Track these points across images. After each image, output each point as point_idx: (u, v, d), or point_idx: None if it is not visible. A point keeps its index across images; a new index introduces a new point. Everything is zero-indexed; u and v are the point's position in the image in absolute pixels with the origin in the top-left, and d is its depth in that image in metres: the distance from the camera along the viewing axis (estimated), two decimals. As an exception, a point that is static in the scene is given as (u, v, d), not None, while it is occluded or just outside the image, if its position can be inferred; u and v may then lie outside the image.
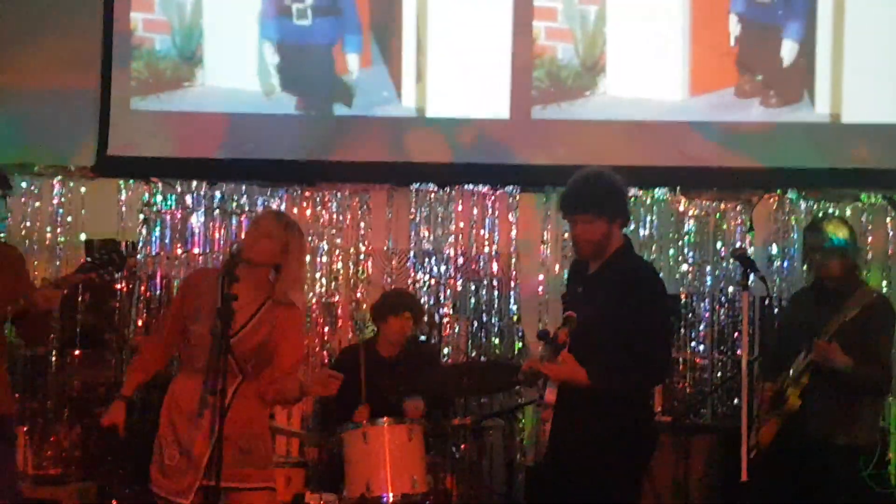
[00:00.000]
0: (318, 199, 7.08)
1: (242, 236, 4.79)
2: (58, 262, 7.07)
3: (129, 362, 6.85)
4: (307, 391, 4.76)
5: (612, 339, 4.58)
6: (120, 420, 4.68)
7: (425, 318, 6.72)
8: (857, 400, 5.32)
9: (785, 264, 6.76)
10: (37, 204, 6.90)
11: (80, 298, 6.92)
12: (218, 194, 7.09)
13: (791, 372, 5.32)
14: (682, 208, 6.90)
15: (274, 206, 6.97)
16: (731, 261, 6.35)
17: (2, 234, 5.58)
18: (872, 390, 5.35)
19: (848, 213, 6.65)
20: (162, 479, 4.55)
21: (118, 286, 6.83)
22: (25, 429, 6.77)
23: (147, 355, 4.86)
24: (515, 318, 6.93)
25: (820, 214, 6.41)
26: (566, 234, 6.81)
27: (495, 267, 6.94)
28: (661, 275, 5.20)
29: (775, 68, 6.82)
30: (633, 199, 6.66)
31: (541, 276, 6.92)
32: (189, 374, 4.60)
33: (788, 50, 6.80)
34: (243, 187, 7.05)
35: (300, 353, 5.09)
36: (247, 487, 4.63)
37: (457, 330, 6.96)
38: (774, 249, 6.81)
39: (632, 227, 6.56)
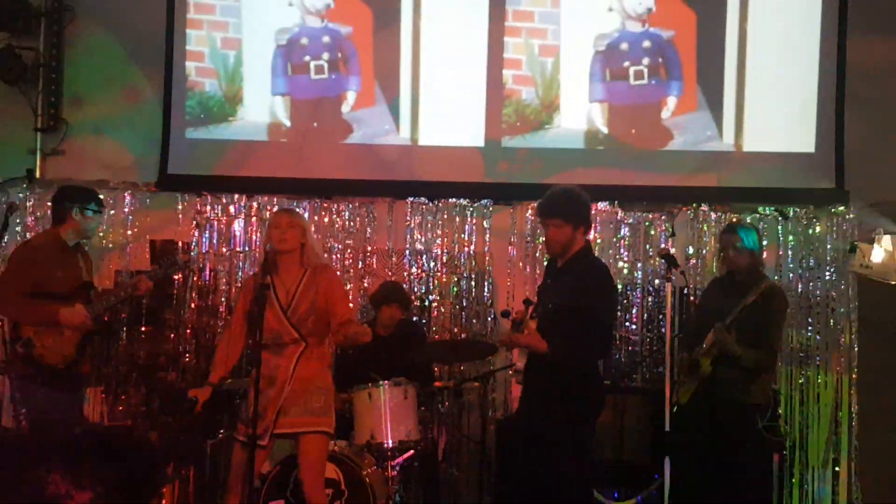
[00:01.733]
0: (333, 209, 7.02)
1: (271, 235, 4.82)
2: (127, 258, 7.01)
3: (183, 337, 6.96)
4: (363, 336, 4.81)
5: (570, 319, 4.62)
6: (203, 398, 4.80)
7: (413, 305, 6.68)
8: (755, 371, 5.36)
9: (699, 262, 6.73)
10: (112, 212, 6.85)
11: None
12: (255, 204, 7.03)
13: (704, 345, 5.34)
14: (619, 217, 6.83)
15: (301, 214, 6.91)
16: (658, 259, 6.36)
17: (90, 237, 5.57)
18: (758, 370, 5.35)
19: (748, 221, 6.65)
20: (245, 428, 4.63)
21: (175, 277, 6.81)
22: (102, 389, 6.76)
23: (221, 354, 4.95)
24: (489, 303, 6.88)
25: (734, 220, 6.37)
26: (528, 238, 6.88)
27: (473, 263, 6.91)
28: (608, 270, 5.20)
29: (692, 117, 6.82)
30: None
31: (508, 271, 6.88)
32: (266, 349, 4.67)
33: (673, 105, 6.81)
34: (275, 199, 6.97)
35: (348, 303, 5.22)
36: (305, 431, 4.74)
37: (442, 311, 6.91)
38: (691, 250, 6.73)
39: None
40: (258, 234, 6.95)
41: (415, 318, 6.76)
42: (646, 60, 6.81)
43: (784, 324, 5.69)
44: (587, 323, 4.63)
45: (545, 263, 5.13)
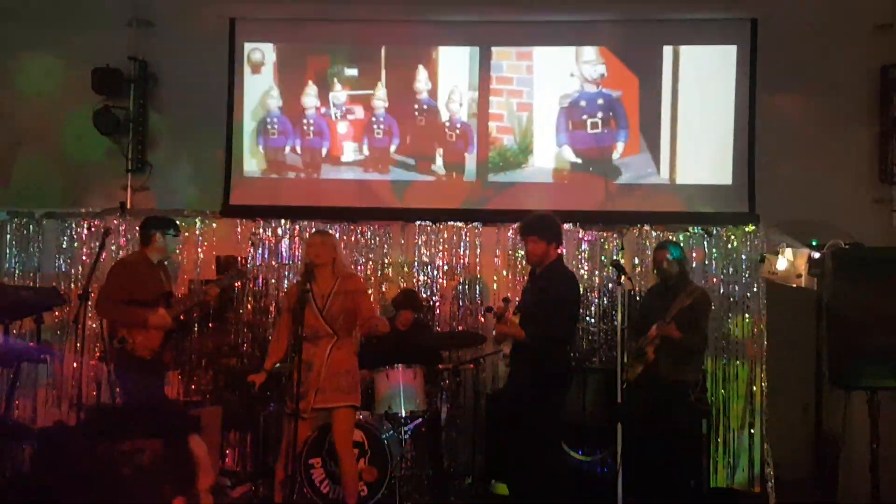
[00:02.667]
0: (358, 231, 6.98)
1: (308, 252, 4.91)
2: (198, 271, 6.99)
3: (242, 332, 6.90)
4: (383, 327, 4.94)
5: (541, 313, 4.69)
6: (259, 381, 4.89)
7: (425, 307, 6.67)
8: (688, 356, 5.40)
9: (643, 270, 6.67)
10: (186, 234, 6.84)
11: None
12: (297, 227, 7.00)
13: (647, 337, 5.38)
14: (580, 235, 6.82)
15: (332, 234, 6.88)
16: (610, 268, 6.26)
17: (171, 255, 5.60)
18: (694, 349, 5.41)
19: (681, 238, 6.64)
20: (291, 404, 4.69)
21: (236, 285, 6.76)
22: (179, 372, 6.77)
23: (274, 345, 5.01)
24: (480, 302, 6.84)
25: (663, 238, 6.40)
26: (510, 252, 6.82)
27: (467, 272, 6.91)
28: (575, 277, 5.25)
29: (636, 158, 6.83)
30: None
31: (494, 278, 6.86)
32: (306, 341, 4.71)
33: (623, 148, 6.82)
34: (313, 223, 6.94)
35: (370, 303, 5.30)
36: (337, 405, 4.82)
37: (443, 309, 6.87)
38: (636, 261, 6.70)
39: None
40: (299, 250, 6.91)
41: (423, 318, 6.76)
42: (600, 114, 6.82)
43: (709, 316, 5.70)
44: (555, 316, 4.71)
45: (529, 271, 5.18)
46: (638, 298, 6.29)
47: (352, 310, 4.87)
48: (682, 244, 6.06)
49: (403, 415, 5.52)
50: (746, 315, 6.55)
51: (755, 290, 6.56)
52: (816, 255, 5.55)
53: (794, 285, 5.88)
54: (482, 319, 6.66)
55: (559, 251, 4.99)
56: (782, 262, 5.96)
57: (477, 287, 6.89)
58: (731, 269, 6.63)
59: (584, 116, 6.84)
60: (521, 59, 6.92)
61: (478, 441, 6.15)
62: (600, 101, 6.83)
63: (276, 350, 4.99)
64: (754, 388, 6.47)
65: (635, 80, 6.81)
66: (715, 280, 6.63)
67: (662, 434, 5.31)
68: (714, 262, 6.66)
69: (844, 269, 5.04)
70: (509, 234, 6.83)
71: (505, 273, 6.86)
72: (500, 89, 6.93)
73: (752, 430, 6.45)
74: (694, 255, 6.62)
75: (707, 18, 6.85)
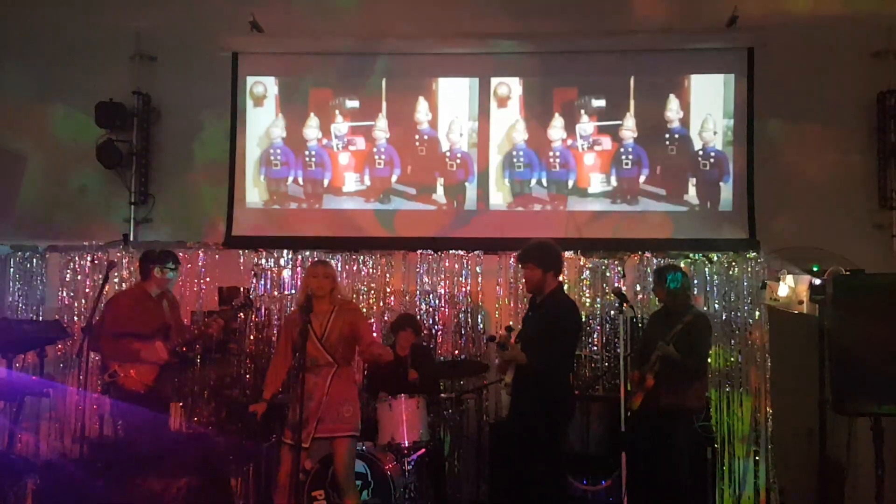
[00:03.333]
0: (360, 260, 6.99)
1: (309, 283, 4.96)
2: (200, 301, 7.00)
3: (244, 362, 6.87)
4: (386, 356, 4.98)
5: (541, 342, 4.69)
6: (260, 411, 4.86)
7: (424, 333, 6.62)
8: (689, 382, 5.39)
9: (645, 297, 6.64)
10: (188, 266, 6.88)
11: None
12: (300, 257, 7.01)
13: (648, 364, 5.37)
14: (581, 263, 6.83)
15: (332, 265, 6.95)
16: (612, 296, 6.27)
17: (170, 287, 5.65)
18: (691, 372, 5.37)
19: (682, 264, 6.68)
20: (291, 434, 4.66)
21: (239, 315, 6.77)
22: (181, 404, 6.68)
23: (272, 375, 4.96)
24: (482, 331, 6.83)
25: (663, 264, 6.30)
26: (511, 280, 6.81)
27: (469, 300, 6.88)
28: (576, 308, 5.19)
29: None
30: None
31: (497, 306, 6.85)
32: (306, 371, 4.69)
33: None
34: (315, 253, 6.96)
35: (371, 330, 5.31)
36: (337, 435, 4.78)
37: (445, 338, 6.83)
38: (638, 288, 6.70)
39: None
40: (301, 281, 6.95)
41: (424, 343, 6.76)
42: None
43: (710, 341, 5.67)
44: (555, 345, 4.71)
45: (530, 300, 5.18)
46: (640, 325, 6.28)
47: (350, 337, 4.87)
48: (682, 267, 6.04)
49: (406, 445, 5.49)
50: (749, 341, 6.58)
51: (757, 316, 6.57)
52: (817, 281, 5.53)
53: (796, 311, 5.86)
54: (491, 345, 6.65)
55: (559, 280, 4.97)
56: (784, 289, 5.93)
57: (479, 316, 6.88)
58: (732, 296, 6.66)
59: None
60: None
61: (481, 471, 6.12)
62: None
63: (275, 380, 4.96)
64: (758, 415, 6.47)
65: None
66: (717, 306, 6.66)
67: (667, 462, 5.26)
68: (716, 289, 6.69)
69: (846, 295, 5.03)
70: (511, 261, 6.85)
71: (507, 301, 6.85)
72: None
73: (757, 458, 6.44)
74: (695, 281, 6.63)
75: (704, 48, 6.93)
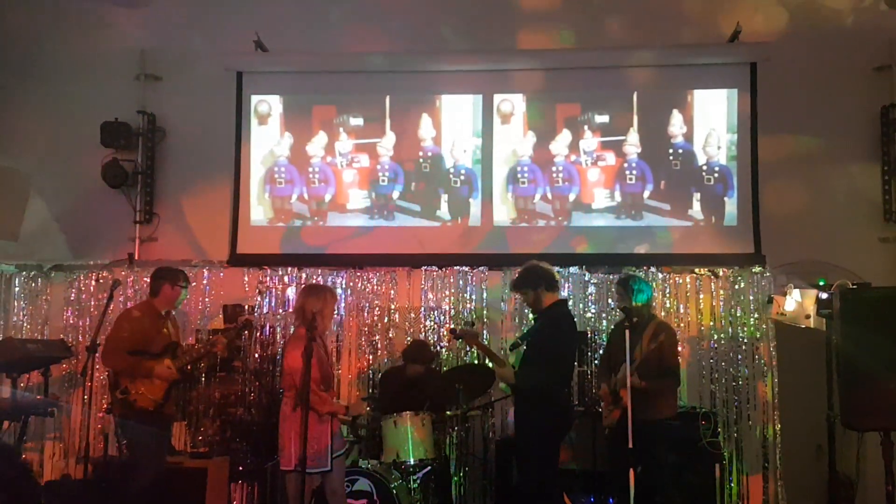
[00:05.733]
0: (365, 277, 6.99)
1: (327, 311, 4.81)
2: (205, 319, 6.99)
3: (249, 380, 6.82)
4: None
5: (530, 358, 4.78)
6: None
7: (434, 362, 6.52)
8: (659, 392, 5.23)
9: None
10: (193, 283, 6.85)
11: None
12: (304, 275, 6.99)
13: (618, 377, 5.24)
14: (586, 278, 6.83)
15: (337, 282, 6.93)
16: (618, 311, 6.26)
17: (178, 306, 5.64)
18: (664, 392, 5.29)
19: (688, 279, 6.66)
20: (298, 459, 4.54)
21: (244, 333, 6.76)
22: (185, 423, 6.73)
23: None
24: (487, 346, 6.81)
25: (623, 275, 6.08)
26: (516, 296, 6.83)
27: (473, 317, 6.87)
28: (575, 320, 5.25)
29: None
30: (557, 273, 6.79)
31: (501, 321, 6.84)
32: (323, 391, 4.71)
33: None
34: (319, 270, 6.97)
35: None
36: (341, 453, 4.86)
37: (450, 354, 6.81)
38: None
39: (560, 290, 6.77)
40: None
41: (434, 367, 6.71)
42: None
43: (676, 350, 5.45)
44: (545, 360, 4.77)
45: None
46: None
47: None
48: (640, 276, 5.95)
49: (412, 463, 5.48)
50: (756, 356, 6.57)
51: (764, 331, 6.58)
52: (824, 295, 5.52)
53: (803, 326, 5.84)
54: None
55: (556, 294, 5.00)
56: (790, 303, 5.91)
57: (484, 332, 6.86)
58: (738, 311, 6.66)
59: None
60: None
61: (487, 489, 6.11)
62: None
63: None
64: (766, 430, 6.45)
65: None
66: (723, 321, 6.66)
67: (650, 475, 5.16)
68: (721, 304, 6.70)
69: (853, 309, 5.01)
70: (515, 277, 6.83)
71: (511, 317, 6.86)
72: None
73: (766, 473, 6.39)
74: (701, 296, 6.62)
75: (707, 63, 6.96)
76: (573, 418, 5.14)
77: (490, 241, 6.98)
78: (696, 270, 6.71)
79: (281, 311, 6.99)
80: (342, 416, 4.97)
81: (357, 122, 7.16)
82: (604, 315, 6.79)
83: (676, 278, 6.68)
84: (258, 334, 6.93)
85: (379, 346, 6.91)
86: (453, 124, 7.10)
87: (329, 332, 4.82)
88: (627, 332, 4.93)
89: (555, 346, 4.83)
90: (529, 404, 4.77)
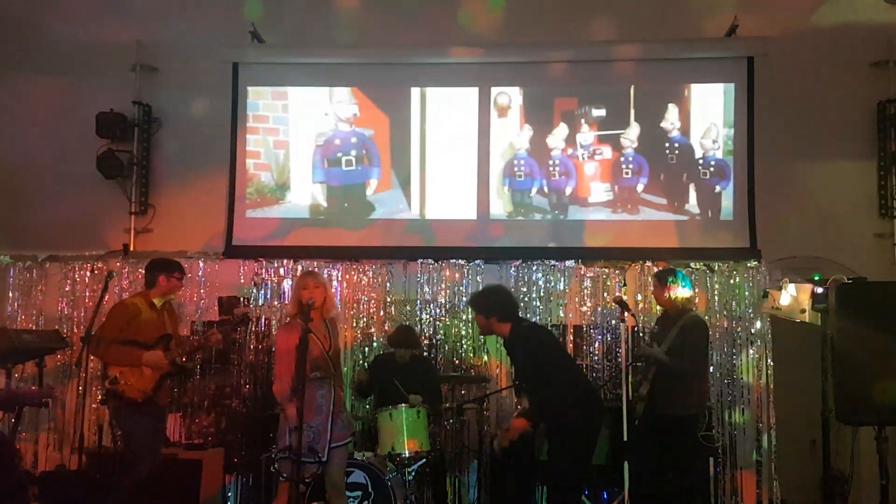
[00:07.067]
0: (360, 270, 6.98)
1: (301, 295, 4.79)
2: (200, 311, 6.98)
3: (244, 372, 6.81)
4: None
5: (530, 387, 4.91)
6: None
7: (424, 344, 6.58)
8: (685, 386, 5.29)
9: (646, 306, 6.64)
10: (188, 275, 6.81)
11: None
12: (300, 267, 6.90)
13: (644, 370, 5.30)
14: (582, 272, 6.82)
15: (333, 275, 6.90)
16: (613, 304, 6.28)
17: (173, 297, 5.63)
18: (686, 378, 5.28)
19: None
20: (292, 447, 4.52)
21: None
22: (180, 414, 6.70)
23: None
24: (483, 341, 6.77)
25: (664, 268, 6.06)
26: (512, 289, 6.68)
27: (469, 310, 6.83)
28: (539, 328, 5.36)
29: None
30: (552, 267, 6.81)
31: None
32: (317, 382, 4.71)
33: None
34: (315, 262, 6.93)
35: None
36: (342, 443, 4.80)
37: (446, 348, 6.82)
38: (639, 297, 6.70)
39: (556, 283, 6.77)
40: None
41: (426, 355, 6.71)
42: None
43: (704, 344, 5.45)
44: (548, 382, 4.76)
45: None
46: (641, 335, 6.25)
47: (339, 350, 4.88)
48: (681, 270, 5.97)
49: (407, 455, 5.46)
50: (751, 350, 6.56)
51: (759, 325, 6.56)
52: (819, 289, 5.52)
53: (798, 320, 5.84)
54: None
55: (509, 322, 4.89)
56: (786, 297, 5.91)
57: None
58: (734, 305, 6.65)
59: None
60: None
61: (482, 481, 6.10)
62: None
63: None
64: (761, 424, 6.44)
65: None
66: (718, 315, 6.65)
67: (670, 473, 5.22)
68: (717, 298, 6.69)
69: (848, 304, 5.01)
70: (511, 270, 6.83)
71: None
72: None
73: (760, 468, 6.39)
74: (696, 290, 6.58)
75: (705, 58, 6.94)
76: (604, 413, 5.11)
77: (486, 235, 6.94)
78: (692, 264, 6.69)
79: (277, 302, 6.96)
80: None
81: (353, 108, 7.08)
82: (599, 309, 6.77)
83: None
84: (253, 326, 6.90)
85: (374, 336, 6.88)
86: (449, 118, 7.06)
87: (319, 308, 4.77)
88: (623, 324, 4.98)
89: (548, 367, 4.78)
90: (556, 426, 4.78)
